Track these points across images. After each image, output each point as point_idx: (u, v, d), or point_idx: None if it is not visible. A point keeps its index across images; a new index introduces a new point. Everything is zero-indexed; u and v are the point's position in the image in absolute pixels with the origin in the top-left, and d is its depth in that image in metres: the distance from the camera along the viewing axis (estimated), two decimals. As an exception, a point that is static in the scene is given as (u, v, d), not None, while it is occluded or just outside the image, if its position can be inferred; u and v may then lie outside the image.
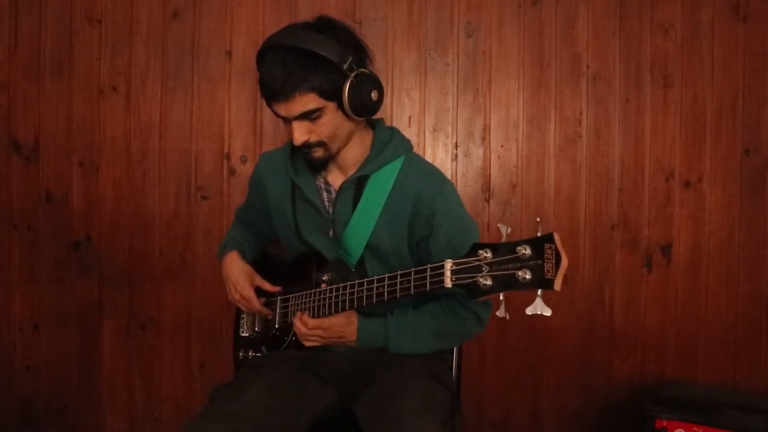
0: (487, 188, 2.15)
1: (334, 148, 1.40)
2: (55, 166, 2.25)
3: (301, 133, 1.35)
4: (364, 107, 1.35)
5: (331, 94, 1.32)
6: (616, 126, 2.12)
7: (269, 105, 1.37)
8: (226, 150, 2.21)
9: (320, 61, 1.29)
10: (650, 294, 2.12)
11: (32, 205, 2.26)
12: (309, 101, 1.31)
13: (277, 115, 1.36)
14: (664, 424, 1.80)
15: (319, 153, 1.39)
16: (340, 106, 1.34)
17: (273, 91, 1.32)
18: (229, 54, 2.19)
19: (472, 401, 2.15)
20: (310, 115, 1.33)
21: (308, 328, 1.40)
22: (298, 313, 1.44)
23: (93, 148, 2.23)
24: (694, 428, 1.77)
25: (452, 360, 1.65)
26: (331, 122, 1.35)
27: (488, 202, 2.15)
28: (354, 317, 1.43)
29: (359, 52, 1.37)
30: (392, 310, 1.47)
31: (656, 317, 2.12)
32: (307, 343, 1.43)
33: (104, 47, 2.22)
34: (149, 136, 2.22)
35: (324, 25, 1.35)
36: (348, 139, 1.42)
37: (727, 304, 2.09)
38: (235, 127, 2.20)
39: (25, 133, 2.25)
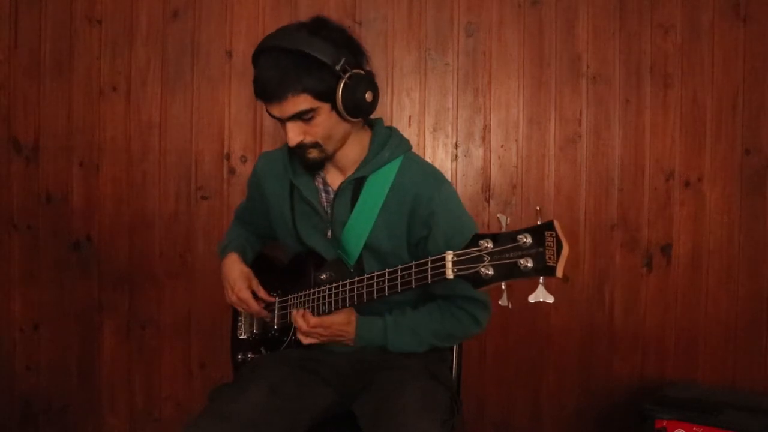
0: (487, 188, 2.15)
1: (329, 149, 1.40)
2: (55, 166, 2.25)
3: (295, 134, 1.35)
4: (358, 108, 1.35)
5: (325, 96, 1.32)
6: (616, 126, 2.11)
7: (265, 106, 1.37)
8: (226, 150, 2.21)
9: (313, 62, 1.29)
10: (650, 294, 2.12)
11: (32, 205, 2.26)
12: (302, 102, 1.31)
13: (272, 116, 1.37)
14: (664, 424, 1.80)
15: (314, 154, 1.39)
16: (334, 107, 1.34)
17: (267, 93, 1.33)
18: (229, 54, 2.19)
19: (472, 401, 2.15)
20: (303, 116, 1.33)
21: (310, 326, 1.40)
22: (301, 310, 1.43)
23: (93, 148, 2.24)
24: (694, 428, 1.77)
25: (452, 360, 1.65)
26: (325, 123, 1.35)
27: (488, 202, 2.15)
28: (353, 317, 1.43)
29: (354, 52, 1.37)
30: (390, 310, 1.47)
31: (656, 317, 2.12)
32: (305, 341, 1.43)
33: (104, 47, 2.22)
34: (149, 136, 2.22)
35: (318, 26, 1.34)
36: (344, 140, 1.42)
37: (727, 304, 2.09)
38: (235, 127, 2.20)
39: (25, 133, 2.25)
